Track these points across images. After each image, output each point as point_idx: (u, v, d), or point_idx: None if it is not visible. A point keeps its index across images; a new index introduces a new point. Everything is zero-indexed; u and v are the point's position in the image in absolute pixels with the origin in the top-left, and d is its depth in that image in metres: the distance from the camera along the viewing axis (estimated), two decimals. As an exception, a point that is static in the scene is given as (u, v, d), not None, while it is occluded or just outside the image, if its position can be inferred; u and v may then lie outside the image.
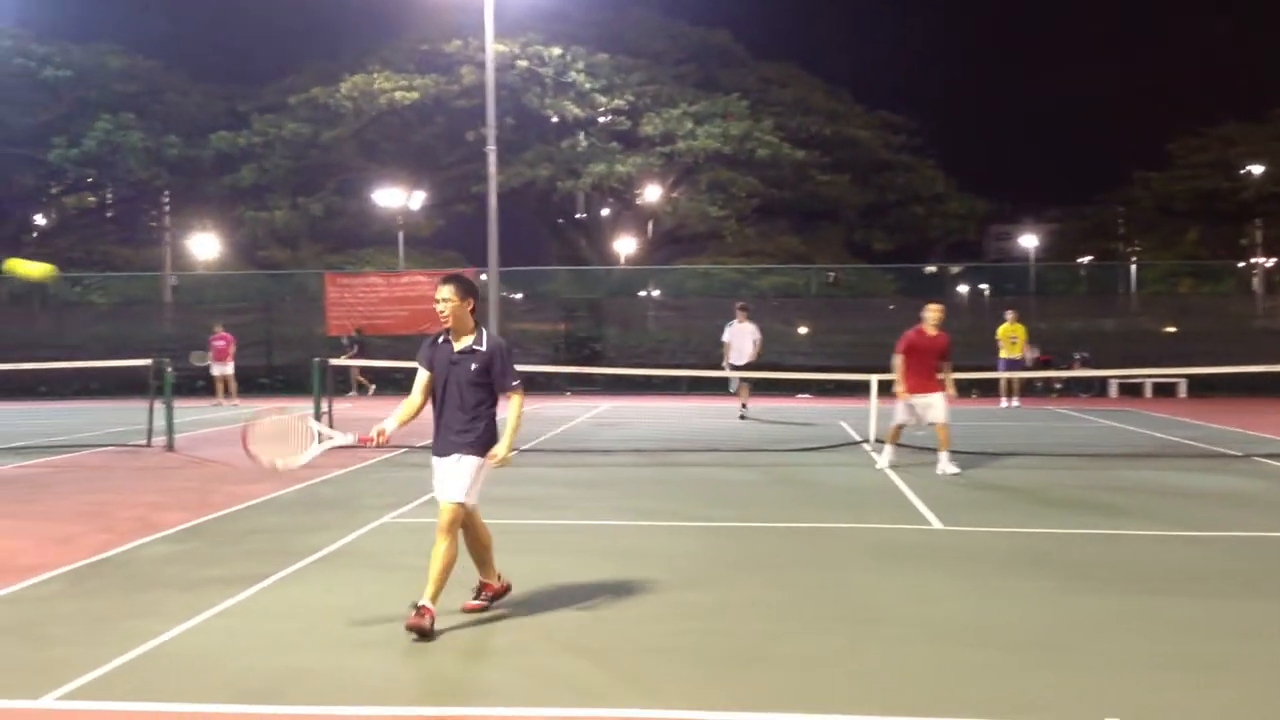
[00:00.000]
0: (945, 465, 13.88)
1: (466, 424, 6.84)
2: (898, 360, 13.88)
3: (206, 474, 14.31)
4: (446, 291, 6.82)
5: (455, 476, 6.79)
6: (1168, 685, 5.77)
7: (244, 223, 40.18)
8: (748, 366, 21.96)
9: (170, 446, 16.77)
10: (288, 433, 7.19)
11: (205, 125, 40.32)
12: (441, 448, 6.91)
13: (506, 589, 7.34)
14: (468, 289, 6.87)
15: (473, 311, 6.92)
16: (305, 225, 40.41)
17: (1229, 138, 46.63)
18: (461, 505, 6.79)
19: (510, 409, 6.97)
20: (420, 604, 6.54)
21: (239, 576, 8.15)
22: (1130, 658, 6.26)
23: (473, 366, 6.85)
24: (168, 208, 45.16)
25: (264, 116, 39.41)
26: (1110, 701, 5.46)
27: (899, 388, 13.88)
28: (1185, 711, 5.34)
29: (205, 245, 46.11)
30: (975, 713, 5.30)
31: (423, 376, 6.99)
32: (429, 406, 7.06)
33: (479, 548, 7.16)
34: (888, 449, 14.56)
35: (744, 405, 22.66)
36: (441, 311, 6.85)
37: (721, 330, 22.49)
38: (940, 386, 13.93)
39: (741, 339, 21.97)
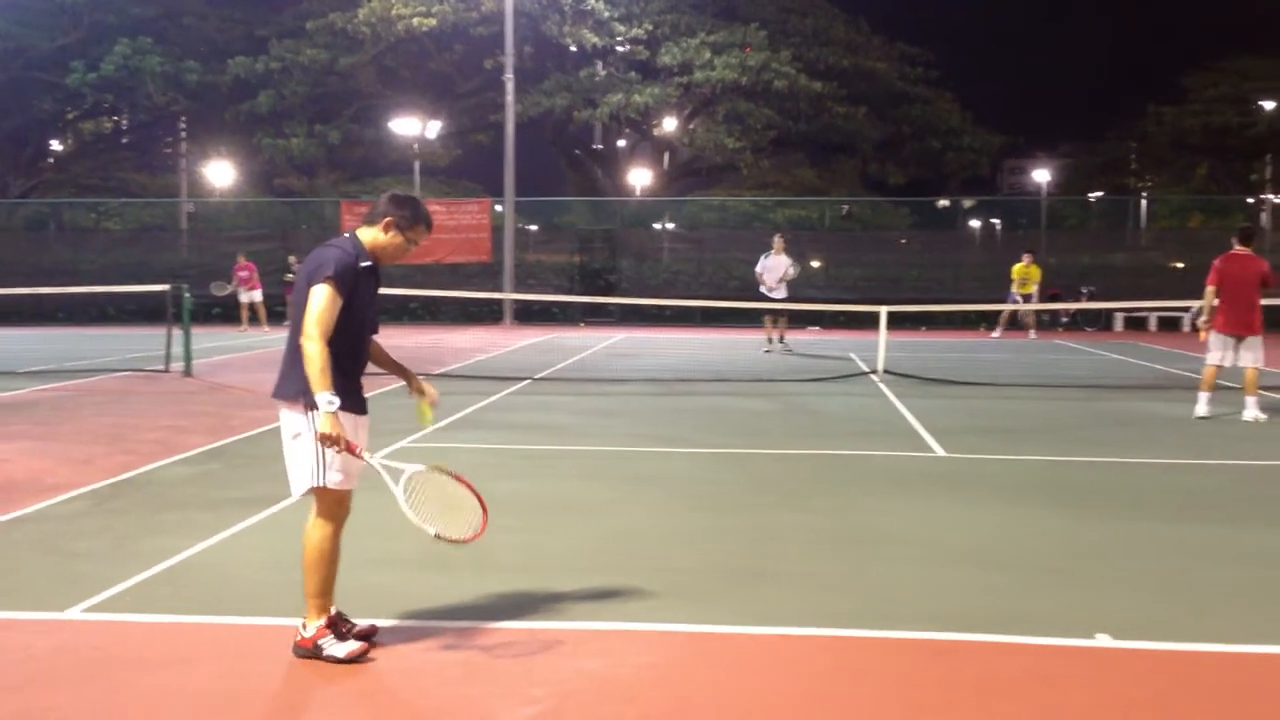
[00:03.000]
0: (1254, 410, 12.62)
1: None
2: (1210, 292, 12.52)
3: (225, 399, 14.51)
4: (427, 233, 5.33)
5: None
6: (1161, 606, 5.93)
7: (261, 150, 40.15)
8: (778, 300, 21.66)
9: (188, 372, 16.97)
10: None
11: (223, 50, 40.17)
12: (361, 403, 5.26)
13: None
14: None
15: None
16: (322, 153, 40.37)
17: (1244, 72, 46.14)
18: None
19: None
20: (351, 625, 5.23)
21: (259, 497, 8.33)
22: (1126, 579, 6.42)
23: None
24: (185, 134, 45.14)
25: (282, 42, 39.25)
26: (1103, 619, 5.62)
27: (1203, 321, 12.77)
28: (1176, 630, 5.49)
29: (222, 172, 46.14)
30: (971, 627, 5.47)
31: (337, 306, 4.98)
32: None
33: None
34: (1204, 397, 12.82)
35: (770, 339, 22.22)
36: (408, 251, 5.32)
37: (736, 261, 22.36)
38: (1259, 323, 12.58)
39: (776, 271, 21.53)
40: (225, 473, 9.45)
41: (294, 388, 5.04)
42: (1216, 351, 12.69)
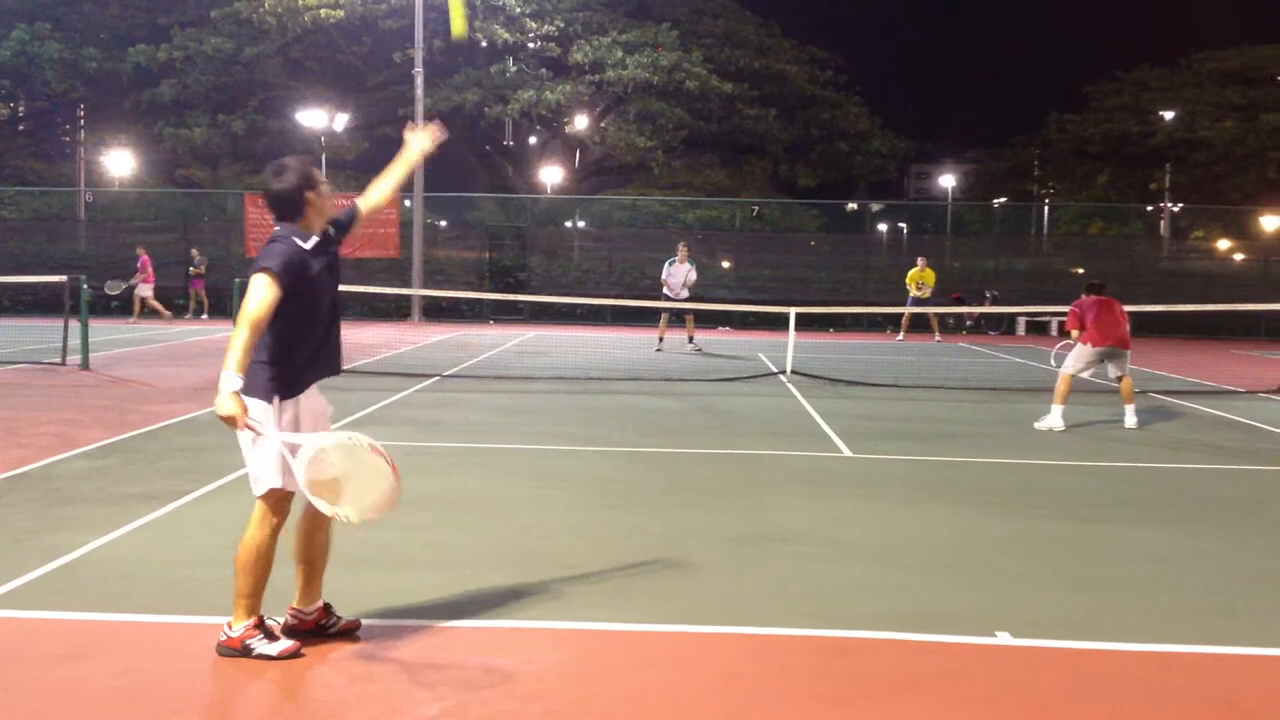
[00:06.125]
0: (1133, 417, 12.82)
1: None
2: (1074, 335, 12.82)
3: (124, 393, 14.20)
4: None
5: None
6: (1059, 605, 6.04)
7: (163, 139, 39.41)
8: (682, 301, 22.12)
9: (85, 365, 16.58)
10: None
11: (124, 38, 39.37)
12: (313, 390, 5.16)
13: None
14: None
15: None
16: (226, 144, 39.73)
17: (1143, 83, 47.33)
18: None
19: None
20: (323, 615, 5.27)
21: (159, 493, 8.18)
22: (1023, 577, 6.55)
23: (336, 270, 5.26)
24: (83, 122, 44.14)
25: (185, 30, 38.55)
26: (1002, 616, 5.73)
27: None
28: (1072, 627, 5.61)
29: (122, 162, 45.13)
30: (875, 625, 5.54)
31: (273, 296, 4.80)
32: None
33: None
34: (1059, 410, 12.60)
35: (662, 338, 22.69)
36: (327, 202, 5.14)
37: (647, 261, 22.50)
38: (1129, 338, 12.79)
39: (679, 276, 22.04)
40: (124, 468, 9.26)
41: (251, 382, 4.81)
42: (1079, 363, 12.78)
